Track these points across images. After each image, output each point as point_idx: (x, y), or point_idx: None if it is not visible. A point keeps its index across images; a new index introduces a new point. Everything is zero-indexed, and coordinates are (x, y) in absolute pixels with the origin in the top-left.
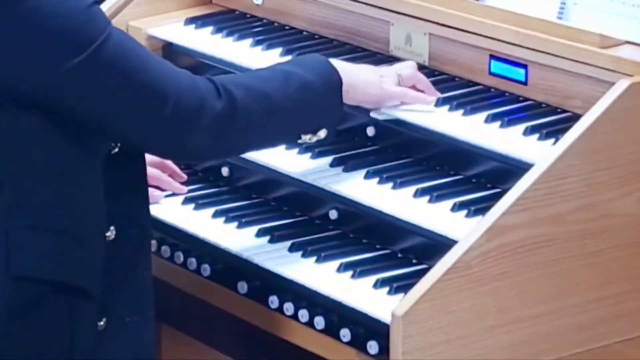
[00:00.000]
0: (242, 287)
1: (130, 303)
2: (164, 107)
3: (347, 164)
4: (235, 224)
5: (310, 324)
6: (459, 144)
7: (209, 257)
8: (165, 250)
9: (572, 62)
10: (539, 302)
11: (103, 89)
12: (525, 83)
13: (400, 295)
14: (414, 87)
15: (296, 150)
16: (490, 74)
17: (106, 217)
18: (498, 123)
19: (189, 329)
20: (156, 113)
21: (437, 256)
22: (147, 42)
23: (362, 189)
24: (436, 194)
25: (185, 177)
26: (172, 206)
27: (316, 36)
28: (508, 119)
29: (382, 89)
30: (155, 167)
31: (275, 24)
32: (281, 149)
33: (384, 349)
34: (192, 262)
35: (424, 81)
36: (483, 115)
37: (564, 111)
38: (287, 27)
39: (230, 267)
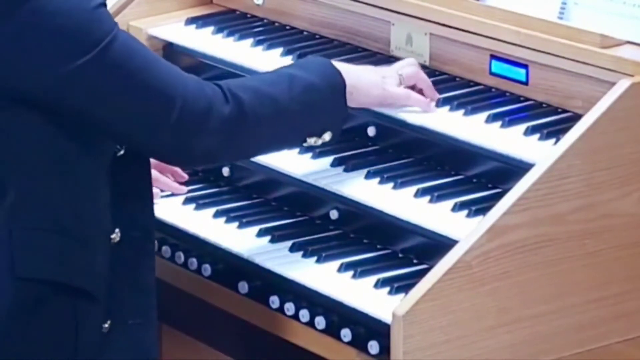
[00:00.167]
0: (243, 287)
1: (134, 305)
2: (170, 111)
3: (347, 164)
4: (236, 224)
5: (311, 324)
6: (459, 144)
7: (210, 257)
8: (166, 250)
9: (572, 62)
10: (539, 302)
11: (108, 91)
12: (526, 83)
13: (401, 295)
14: (414, 86)
15: (297, 150)
16: (491, 74)
17: (111, 219)
18: (499, 123)
19: (189, 329)
20: (162, 116)
21: (438, 256)
22: (147, 42)
23: (362, 189)
24: (437, 194)
25: (186, 177)
26: (172, 206)
27: (317, 36)
28: (509, 119)
29: (384, 90)
30: (154, 168)
31: (276, 24)
32: None
33: (385, 349)
34: (193, 262)
35: (424, 80)
36: (484, 115)
37: (564, 111)
38: (287, 27)
39: (231, 267)
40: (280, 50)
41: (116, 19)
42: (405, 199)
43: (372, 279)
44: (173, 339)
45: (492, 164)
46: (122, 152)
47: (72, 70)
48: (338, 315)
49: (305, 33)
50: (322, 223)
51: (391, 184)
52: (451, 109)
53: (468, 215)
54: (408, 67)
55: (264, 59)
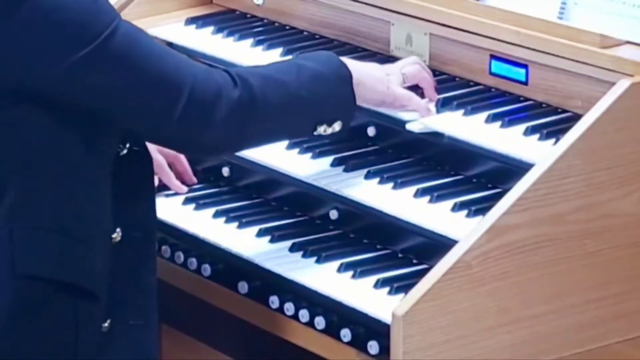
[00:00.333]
0: (243, 287)
1: (135, 306)
2: (178, 98)
3: (347, 164)
4: (236, 224)
5: (310, 324)
6: (459, 144)
7: (210, 257)
8: (166, 250)
9: (572, 62)
10: (539, 302)
11: (113, 81)
12: (525, 83)
13: (401, 295)
14: (416, 86)
15: (297, 150)
16: (491, 74)
17: (112, 219)
18: (498, 123)
19: (189, 329)
20: (170, 104)
21: (438, 256)
22: None
23: (362, 189)
24: (437, 194)
25: (195, 180)
26: (172, 206)
27: (316, 36)
28: (508, 119)
29: (388, 88)
30: (168, 159)
31: (276, 24)
32: (282, 148)
33: (385, 349)
34: (193, 262)
35: (426, 80)
36: (483, 115)
37: (564, 111)
38: (287, 27)
39: (230, 267)
40: (280, 50)
41: None
42: (405, 199)
43: (372, 279)
44: (173, 339)
45: (492, 164)
46: (124, 151)
47: (75, 62)
48: (338, 315)
49: (305, 33)
50: (322, 223)
51: (391, 184)
52: (451, 109)
53: (468, 215)
54: (411, 65)
55: (264, 59)
